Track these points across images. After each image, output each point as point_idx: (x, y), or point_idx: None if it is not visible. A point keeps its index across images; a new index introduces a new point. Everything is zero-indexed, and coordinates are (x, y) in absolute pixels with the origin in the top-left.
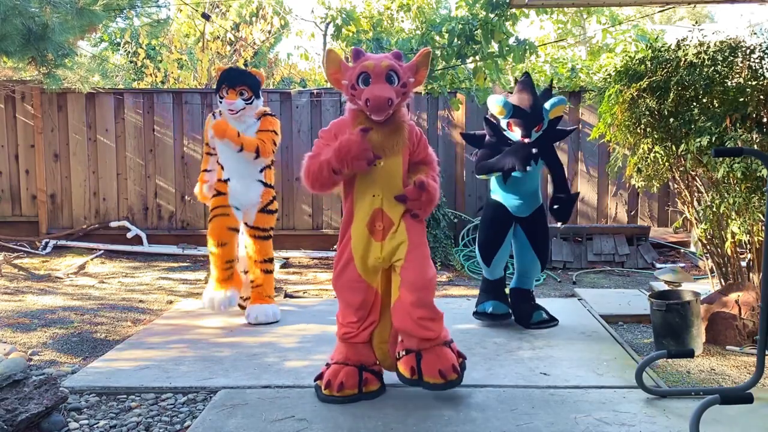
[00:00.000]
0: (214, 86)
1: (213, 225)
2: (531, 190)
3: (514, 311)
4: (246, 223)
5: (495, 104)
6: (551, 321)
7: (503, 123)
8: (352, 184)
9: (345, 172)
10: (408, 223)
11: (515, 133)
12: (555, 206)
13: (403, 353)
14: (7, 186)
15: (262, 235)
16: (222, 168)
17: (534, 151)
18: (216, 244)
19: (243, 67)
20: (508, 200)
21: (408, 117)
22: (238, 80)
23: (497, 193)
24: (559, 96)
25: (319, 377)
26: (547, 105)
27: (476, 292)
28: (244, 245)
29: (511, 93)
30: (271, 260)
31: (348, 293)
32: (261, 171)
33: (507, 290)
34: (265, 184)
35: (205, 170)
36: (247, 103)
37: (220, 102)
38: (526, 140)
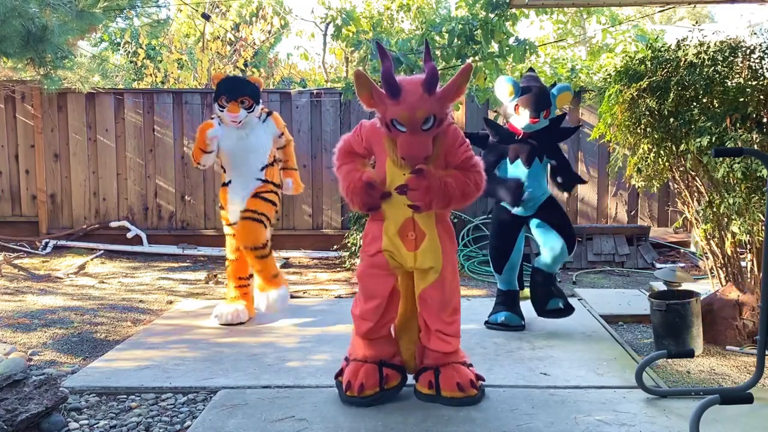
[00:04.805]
0: (214, 88)
1: (227, 240)
2: (537, 190)
3: (532, 292)
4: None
5: (504, 83)
6: (566, 311)
7: (510, 107)
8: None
9: (353, 208)
10: (444, 244)
11: (522, 117)
12: (558, 178)
13: (422, 371)
14: (7, 186)
15: (251, 216)
16: (224, 171)
17: (526, 194)
18: (231, 257)
19: (244, 70)
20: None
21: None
22: (238, 91)
23: None
24: (564, 83)
25: (339, 374)
26: (554, 90)
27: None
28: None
29: None
30: (263, 246)
31: (370, 280)
32: (262, 169)
33: (521, 296)
34: (265, 181)
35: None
36: (249, 112)
37: (220, 110)
38: (535, 122)
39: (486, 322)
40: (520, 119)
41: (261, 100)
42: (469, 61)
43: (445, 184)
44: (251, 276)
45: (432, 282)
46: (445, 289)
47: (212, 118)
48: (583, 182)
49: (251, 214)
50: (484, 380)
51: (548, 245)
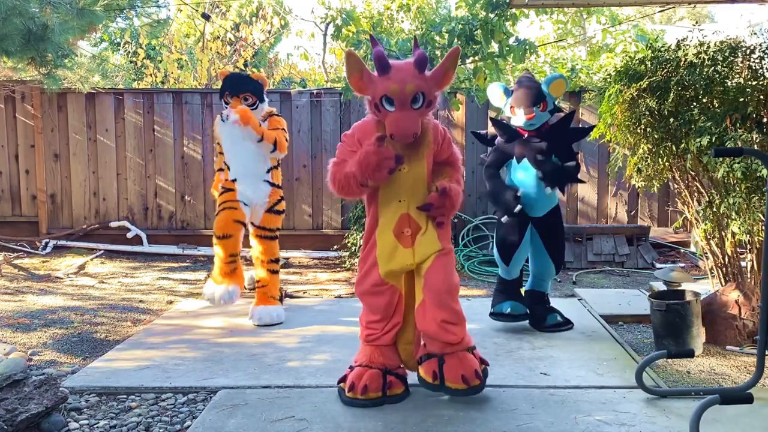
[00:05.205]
0: (215, 86)
1: (219, 217)
2: (546, 193)
3: (530, 313)
4: (252, 223)
5: (494, 89)
6: (566, 324)
7: (507, 109)
8: (376, 191)
9: (370, 184)
10: (438, 229)
11: (519, 116)
12: (548, 170)
13: (425, 357)
14: (7, 186)
15: (269, 235)
16: (228, 169)
17: (518, 194)
18: (220, 235)
19: (244, 70)
20: (523, 199)
21: (431, 119)
22: (240, 87)
23: None
24: (555, 73)
25: (343, 380)
26: (544, 81)
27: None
28: (251, 246)
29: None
30: (277, 260)
31: (371, 298)
32: (268, 171)
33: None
34: (272, 184)
35: (220, 170)
36: (252, 109)
37: (226, 106)
38: (531, 117)
39: (491, 314)
40: (517, 119)
41: (266, 100)
42: (456, 48)
43: (459, 195)
44: (238, 253)
45: (433, 261)
46: (447, 266)
47: (220, 116)
48: (580, 182)
49: (268, 233)
50: (488, 364)
51: (538, 268)
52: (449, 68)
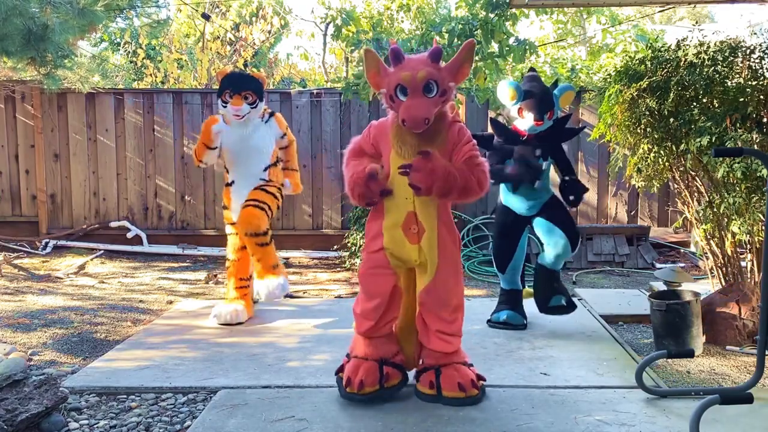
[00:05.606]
0: (215, 86)
1: (229, 240)
2: (540, 190)
3: (535, 289)
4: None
5: (506, 88)
6: (569, 308)
7: (514, 110)
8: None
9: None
10: (443, 241)
11: (526, 119)
12: (566, 186)
13: (423, 371)
14: (7, 186)
15: (253, 204)
16: (227, 171)
17: (537, 153)
18: (232, 257)
19: (244, 69)
20: (518, 203)
21: (449, 116)
22: (242, 85)
23: (506, 197)
24: (567, 83)
25: (341, 369)
26: (556, 91)
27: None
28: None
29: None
30: (264, 233)
31: (372, 279)
32: (265, 170)
33: (524, 294)
34: (267, 182)
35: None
36: (252, 108)
37: (224, 106)
38: (540, 124)
39: (488, 321)
40: (524, 122)
41: (264, 99)
42: (471, 41)
43: (448, 171)
44: (251, 277)
45: (428, 282)
46: (443, 288)
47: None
48: (587, 190)
49: (253, 202)
50: (485, 380)
51: (552, 242)
52: (465, 60)
